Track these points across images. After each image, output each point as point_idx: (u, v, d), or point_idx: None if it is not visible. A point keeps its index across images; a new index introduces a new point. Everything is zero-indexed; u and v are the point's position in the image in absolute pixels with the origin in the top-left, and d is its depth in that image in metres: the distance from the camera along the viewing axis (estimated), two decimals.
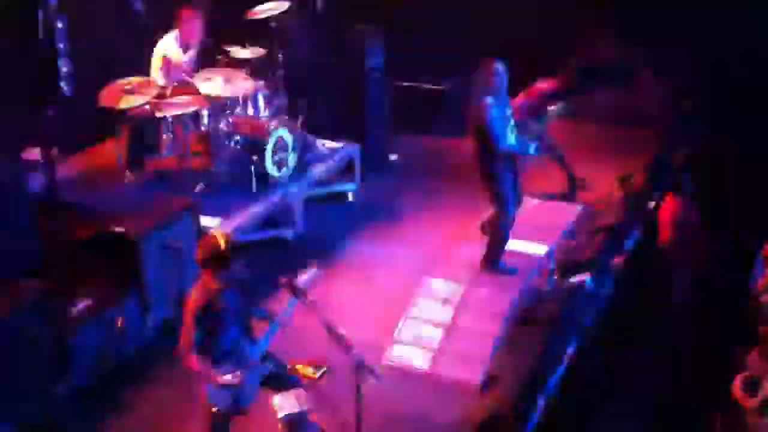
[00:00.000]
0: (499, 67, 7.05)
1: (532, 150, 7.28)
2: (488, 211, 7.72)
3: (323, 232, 8.59)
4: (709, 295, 7.68)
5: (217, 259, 4.95)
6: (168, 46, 8.40)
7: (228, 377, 4.98)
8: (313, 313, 5.06)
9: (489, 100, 6.98)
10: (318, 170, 8.89)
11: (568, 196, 8.84)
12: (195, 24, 8.51)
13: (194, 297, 4.99)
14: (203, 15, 8.67)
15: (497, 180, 7.18)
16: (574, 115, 9.40)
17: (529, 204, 8.48)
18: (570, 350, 6.64)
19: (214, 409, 5.02)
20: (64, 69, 8.43)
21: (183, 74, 8.40)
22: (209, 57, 8.79)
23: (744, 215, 8.27)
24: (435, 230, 8.52)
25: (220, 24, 9.04)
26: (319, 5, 10.66)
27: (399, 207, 9.16)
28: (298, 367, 6.26)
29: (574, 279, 7.30)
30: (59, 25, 8.28)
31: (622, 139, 10.58)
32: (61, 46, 8.28)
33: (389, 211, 9.08)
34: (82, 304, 6.27)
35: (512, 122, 7.18)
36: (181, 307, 6.80)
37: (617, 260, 7.78)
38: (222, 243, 4.94)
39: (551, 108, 8.76)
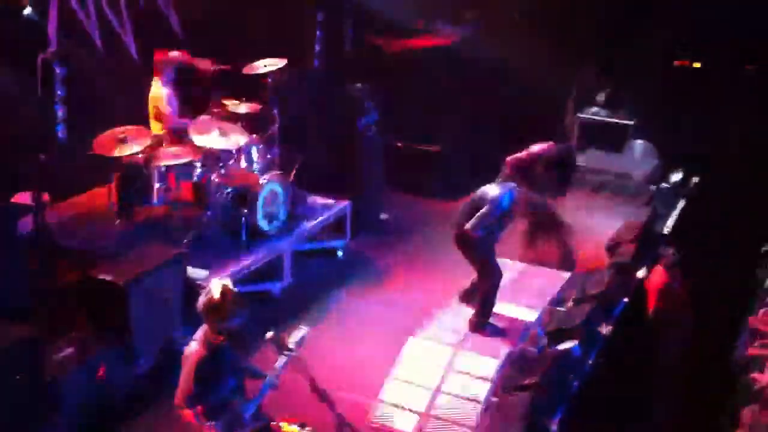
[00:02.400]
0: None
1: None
2: (467, 280, 7.73)
3: (311, 287, 8.56)
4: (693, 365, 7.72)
5: (212, 311, 4.90)
6: (157, 97, 8.42)
7: None
8: (299, 371, 5.03)
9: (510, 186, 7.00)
10: (308, 225, 8.89)
11: (563, 264, 8.84)
12: (173, 64, 8.50)
13: (196, 348, 4.92)
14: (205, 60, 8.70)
15: (475, 249, 7.19)
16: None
17: (518, 269, 8.50)
18: (557, 417, 6.58)
19: None
20: (60, 114, 8.48)
21: (173, 114, 8.40)
22: (208, 107, 8.83)
23: (728, 284, 8.36)
24: (423, 290, 8.50)
25: (217, 78, 9.13)
26: (315, 64, 10.81)
27: (388, 266, 9.16)
28: (282, 424, 6.15)
29: (562, 345, 7.27)
30: (57, 71, 8.35)
31: (611, 206, 10.67)
32: (59, 92, 8.34)
33: (378, 270, 9.08)
34: (66, 350, 6.18)
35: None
36: (167, 356, 6.80)
37: (605, 328, 7.77)
38: (218, 295, 4.89)
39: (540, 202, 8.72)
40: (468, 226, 6.97)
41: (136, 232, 7.97)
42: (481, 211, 6.97)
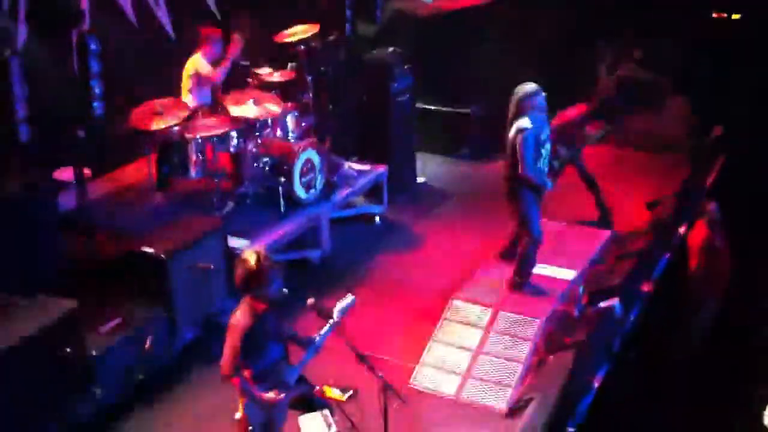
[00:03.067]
0: (533, 88, 7.05)
1: (548, 185, 7.23)
2: (508, 237, 7.72)
3: (350, 253, 8.61)
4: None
5: (252, 279, 4.94)
6: (197, 64, 8.48)
7: (271, 395, 4.97)
8: (342, 337, 5.08)
9: (524, 122, 6.98)
10: (345, 192, 8.91)
11: (599, 222, 8.79)
12: (218, 41, 8.57)
13: (239, 318, 4.97)
14: (241, 34, 8.74)
15: (521, 201, 7.16)
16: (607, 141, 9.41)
17: (558, 228, 8.45)
18: (599, 376, 6.58)
19: (249, 428, 5.00)
20: (97, 90, 8.55)
21: (214, 89, 8.45)
22: (240, 79, 8.87)
23: None
24: (462, 252, 8.51)
25: (250, 47, 9.14)
26: (347, 29, 10.76)
27: (426, 229, 9.17)
28: (326, 389, 6.23)
29: (603, 304, 7.23)
30: (92, 47, 8.40)
31: (650, 164, 10.55)
32: (95, 67, 8.40)
33: (416, 234, 9.09)
34: (110, 323, 6.30)
35: (548, 146, 7.18)
36: (208, 328, 6.90)
37: (646, 286, 7.71)
38: (253, 262, 4.93)
39: (589, 134, 8.77)
40: (521, 171, 6.98)
41: (176, 204, 8.05)
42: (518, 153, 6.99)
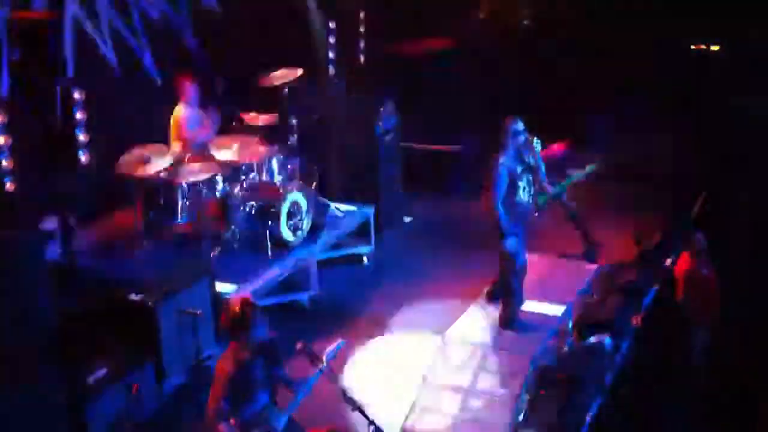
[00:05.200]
0: (512, 124, 7.14)
1: (509, 243, 7.28)
2: (494, 278, 7.74)
3: (339, 294, 8.58)
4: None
5: (237, 326, 4.93)
6: (180, 116, 8.52)
7: None
8: (331, 381, 5.06)
9: (500, 158, 7.06)
10: (333, 233, 8.91)
11: (587, 256, 8.81)
12: (195, 88, 8.61)
13: (223, 365, 4.95)
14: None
15: (503, 233, 7.20)
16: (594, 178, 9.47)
17: (545, 263, 8.46)
18: (592, 411, 6.55)
19: None
20: (81, 138, 8.58)
21: (199, 133, 8.50)
22: (224, 123, 8.91)
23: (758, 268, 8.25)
24: (451, 292, 8.49)
25: (233, 92, 9.20)
26: (331, 71, 10.83)
27: (414, 269, 9.15)
28: None
29: (593, 339, 7.23)
30: (76, 95, 8.45)
31: (635, 197, 10.60)
32: (79, 116, 8.44)
33: (404, 273, 9.07)
34: (99, 372, 6.25)
35: (527, 178, 7.25)
36: (196, 374, 6.85)
37: (636, 319, 7.71)
38: (237, 308, 4.92)
39: (575, 172, 8.81)
40: (489, 205, 7.08)
41: (163, 250, 8.04)
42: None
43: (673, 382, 7.67)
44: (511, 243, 7.20)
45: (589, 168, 8.89)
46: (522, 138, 7.18)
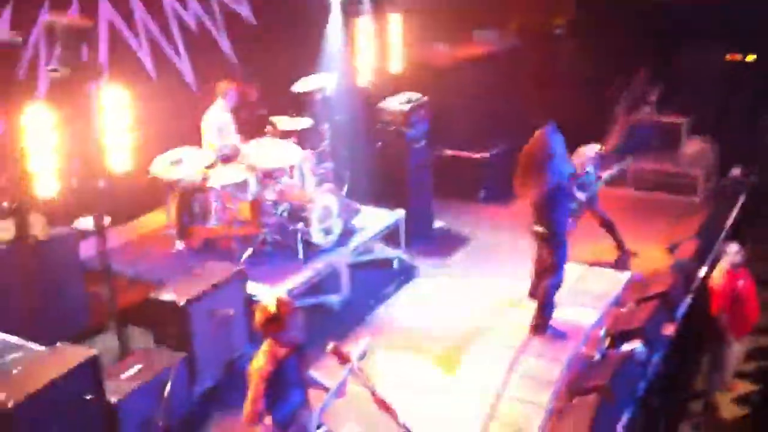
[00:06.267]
0: (551, 133, 7.12)
1: (562, 252, 7.27)
2: (534, 277, 7.70)
3: (369, 298, 8.58)
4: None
5: (271, 324, 4.94)
6: (213, 116, 8.60)
7: None
8: (361, 382, 5.05)
9: (550, 167, 7.03)
10: (363, 237, 8.93)
11: (618, 264, 8.75)
12: (234, 93, 8.70)
13: (261, 364, 4.94)
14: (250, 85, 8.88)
15: (554, 244, 7.17)
16: (625, 178, 9.41)
17: (578, 271, 8.41)
18: (623, 420, 6.48)
19: None
20: (117, 141, 8.65)
21: (233, 138, 8.55)
22: (258, 127, 8.97)
23: None
24: (481, 296, 8.47)
25: (268, 96, 9.27)
26: (364, 78, 10.86)
27: (443, 274, 9.14)
28: None
29: (625, 347, 7.15)
30: (112, 98, 8.52)
31: (669, 206, 10.52)
32: (115, 118, 8.51)
33: (434, 278, 9.07)
34: (131, 370, 6.29)
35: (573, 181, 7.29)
36: (228, 374, 6.87)
37: (668, 329, 7.63)
38: (273, 307, 4.93)
39: (605, 174, 8.82)
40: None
41: (196, 252, 8.10)
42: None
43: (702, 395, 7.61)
44: (564, 251, 7.17)
45: (613, 171, 8.84)
46: (561, 143, 7.17)
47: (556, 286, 7.28)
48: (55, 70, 6.75)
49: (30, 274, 6.43)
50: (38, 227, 6.91)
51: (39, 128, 6.97)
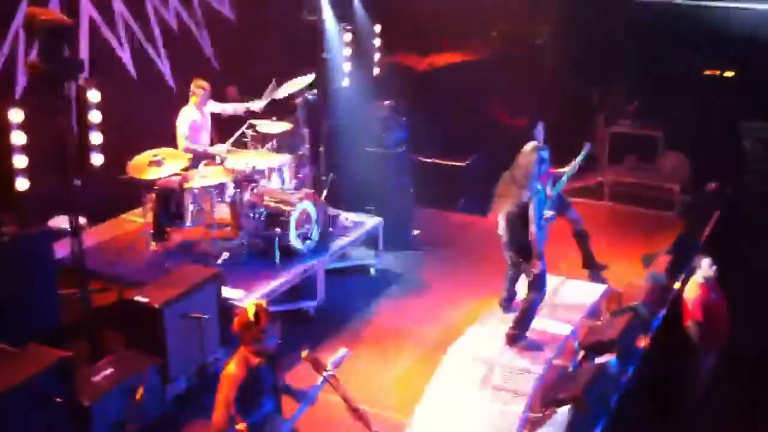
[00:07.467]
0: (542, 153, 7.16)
1: (542, 265, 7.26)
2: (504, 287, 7.72)
3: (345, 304, 8.57)
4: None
5: (249, 331, 4.90)
6: (189, 113, 8.56)
7: None
8: (335, 390, 5.02)
9: (536, 186, 7.08)
10: (341, 243, 8.90)
11: (592, 276, 8.78)
12: (208, 93, 8.69)
13: (233, 370, 4.90)
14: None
15: (537, 256, 7.19)
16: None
17: (554, 283, 8.42)
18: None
19: None
20: (94, 140, 8.60)
21: (206, 138, 8.51)
22: (237, 130, 8.93)
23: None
24: (456, 306, 8.49)
25: (248, 98, 9.23)
26: (345, 83, 10.86)
27: (420, 281, 9.15)
28: None
29: (599, 359, 7.18)
30: (90, 97, 8.47)
31: (644, 219, 10.59)
32: (93, 117, 8.46)
33: (410, 286, 9.07)
34: (104, 372, 6.23)
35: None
36: (201, 378, 6.82)
37: (642, 342, 7.67)
38: (252, 314, 4.89)
39: (568, 167, 8.71)
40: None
41: (171, 254, 8.04)
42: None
43: (677, 406, 7.64)
44: (543, 265, 7.18)
45: (581, 155, 8.76)
46: (546, 166, 7.20)
47: (540, 299, 7.31)
48: (34, 66, 6.69)
49: (0, 273, 6.34)
50: (9, 226, 6.82)
51: (13, 125, 6.94)
